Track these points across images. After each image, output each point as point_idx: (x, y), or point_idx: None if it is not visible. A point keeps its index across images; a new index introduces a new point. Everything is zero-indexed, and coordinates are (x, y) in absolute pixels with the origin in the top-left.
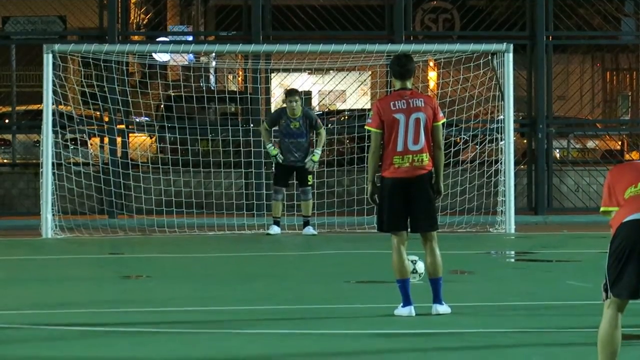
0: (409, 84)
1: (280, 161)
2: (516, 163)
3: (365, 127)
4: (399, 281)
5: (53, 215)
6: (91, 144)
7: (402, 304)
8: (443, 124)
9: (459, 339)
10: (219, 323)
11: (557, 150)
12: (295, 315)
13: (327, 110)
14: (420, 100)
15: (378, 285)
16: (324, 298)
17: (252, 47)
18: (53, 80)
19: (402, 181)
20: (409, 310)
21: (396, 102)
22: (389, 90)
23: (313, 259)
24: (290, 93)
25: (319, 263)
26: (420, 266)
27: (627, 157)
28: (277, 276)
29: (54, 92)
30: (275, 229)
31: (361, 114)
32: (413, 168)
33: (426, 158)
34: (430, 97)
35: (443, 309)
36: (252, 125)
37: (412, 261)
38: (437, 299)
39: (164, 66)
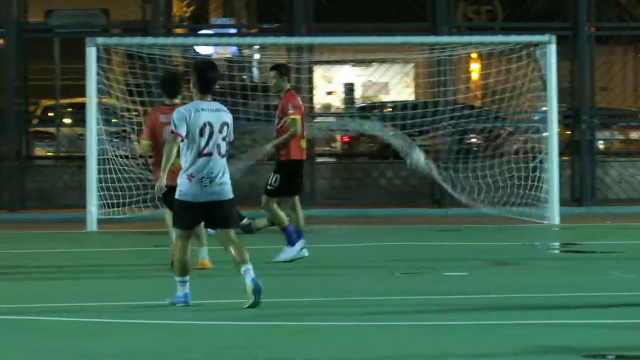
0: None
1: None
2: (559, 154)
3: (293, 117)
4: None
5: (98, 208)
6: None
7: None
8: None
9: (505, 331)
10: (256, 316)
11: (601, 142)
12: (345, 307)
13: (370, 102)
14: None
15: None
16: (371, 290)
17: (294, 40)
18: (97, 73)
19: (303, 161)
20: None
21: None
22: (432, 80)
23: (354, 251)
24: None
25: (360, 255)
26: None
27: None
28: (318, 268)
29: (98, 84)
30: None
31: (404, 106)
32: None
33: None
34: None
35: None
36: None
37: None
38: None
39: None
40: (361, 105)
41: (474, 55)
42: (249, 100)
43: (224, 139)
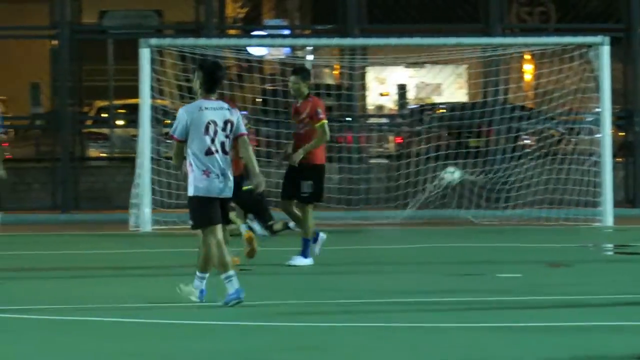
0: None
1: None
2: (613, 156)
3: (324, 121)
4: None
5: (151, 209)
6: None
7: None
8: None
9: (557, 332)
10: (305, 315)
11: None
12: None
13: (423, 103)
14: None
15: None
16: (424, 291)
17: (347, 41)
18: (150, 75)
19: None
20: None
21: None
22: (485, 81)
23: (407, 252)
24: None
25: (413, 256)
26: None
27: None
28: (374, 268)
29: (151, 86)
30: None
31: (456, 107)
32: None
33: None
34: None
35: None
36: (349, 119)
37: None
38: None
39: (260, 60)
40: (414, 106)
41: (526, 56)
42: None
43: (227, 136)
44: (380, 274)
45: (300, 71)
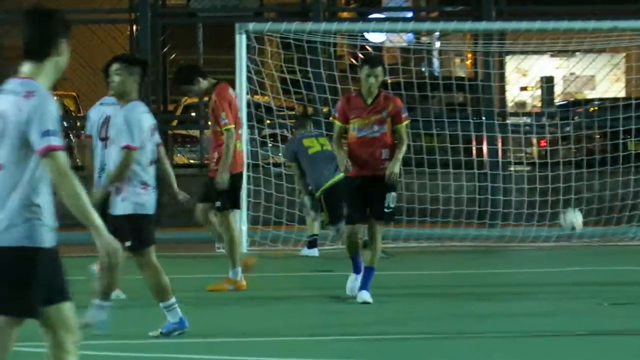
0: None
1: None
2: None
3: (409, 120)
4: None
5: (247, 226)
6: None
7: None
8: None
9: None
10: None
11: None
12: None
13: (573, 99)
14: None
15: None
16: (572, 323)
17: (482, 25)
18: (247, 66)
19: None
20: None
21: None
22: None
23: (554, 276)
24: None
25: (561, 281)
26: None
27: None
28: (509, 294)
29: (249, 79)
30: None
31: (614, 105)
32: None
33: None
34: None
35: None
36: (483, 117)
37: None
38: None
39: (378, 48)
40: (562, 102)
41: None
42: (429, 94)
43: (156, 143)
44: (520, 303)
45: (380, 62)
